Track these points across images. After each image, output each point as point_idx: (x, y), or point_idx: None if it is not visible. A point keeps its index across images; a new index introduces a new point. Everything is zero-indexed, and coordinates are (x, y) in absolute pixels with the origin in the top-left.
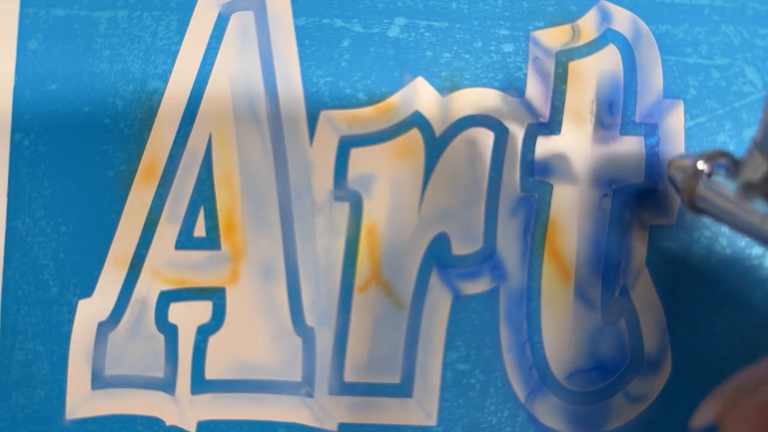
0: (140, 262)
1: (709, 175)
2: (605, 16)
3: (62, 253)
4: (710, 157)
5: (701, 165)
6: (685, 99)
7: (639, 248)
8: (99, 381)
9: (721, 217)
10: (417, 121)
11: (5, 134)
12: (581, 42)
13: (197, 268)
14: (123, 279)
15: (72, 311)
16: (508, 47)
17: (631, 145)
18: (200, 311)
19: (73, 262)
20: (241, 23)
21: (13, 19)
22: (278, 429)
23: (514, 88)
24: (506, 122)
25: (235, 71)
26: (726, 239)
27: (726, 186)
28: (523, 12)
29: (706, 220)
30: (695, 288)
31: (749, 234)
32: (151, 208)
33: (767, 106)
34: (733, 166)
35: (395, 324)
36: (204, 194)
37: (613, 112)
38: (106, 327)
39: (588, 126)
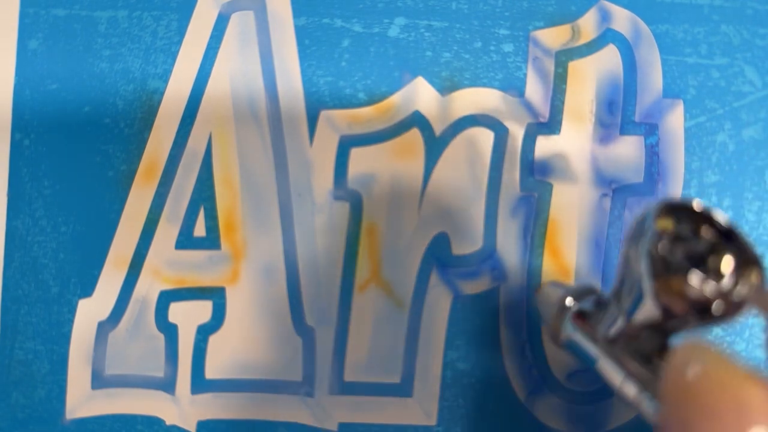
0: (140, 262)
1: (577, 313)
2: (605, 16)
3: (62, 253)
4: (578, 295)
5: (569, 302)
6: (684, 99)
7: None
8: (99, 381)
9: (588, 365)
10: (417, 121)
11: (5, 134)
12: (581, 42)
13: (197, 267)
14: (123, 279)
15: (72, 311)
16: (508, 47)
17: (631, 145)
18: (200, 311)
19: (73, 261)
20: (241, 23)
21: (13, 19)
22: (278, 429)
23: (514, 88)
24: (506, 122)
25: (235, 71)
26: None
27: (586, 338)
28: (523, 12)
29: None
30: None
31: (613, 388)
32: (151, 208)
33: (622, 261)
34: (598, 307)
35: (395, 324)
36: (204, 194)
37: (613, 111)
38: (106, 327)
39: (588, 126)
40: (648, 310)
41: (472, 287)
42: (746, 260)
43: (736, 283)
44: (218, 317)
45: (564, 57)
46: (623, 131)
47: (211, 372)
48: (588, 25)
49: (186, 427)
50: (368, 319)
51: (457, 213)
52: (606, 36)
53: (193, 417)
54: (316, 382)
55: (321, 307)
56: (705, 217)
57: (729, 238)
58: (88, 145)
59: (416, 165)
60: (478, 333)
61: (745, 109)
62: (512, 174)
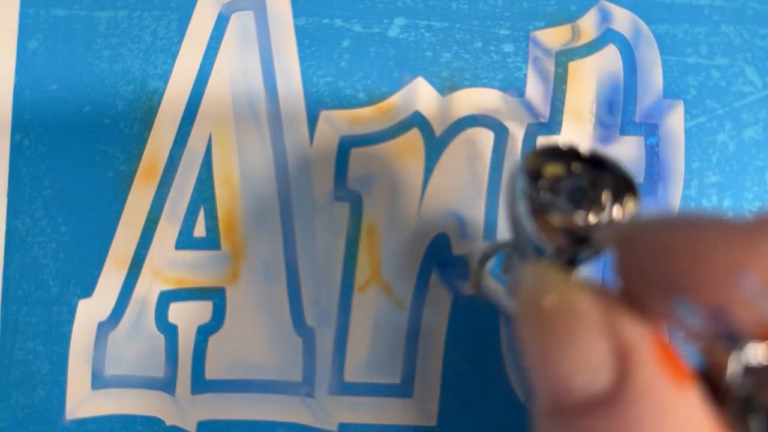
0: (140, 262)
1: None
2: (605, 16)
3: (62, 253)
4: (492, 250)
5: (482, 256)
6: (685, 99)
7: None
8: (99, 381)
9: (502, 310)
10: (417, 121)
11: (5, 134)
12: (581, 42)
13: (197, 268)
14: (123, 279)
15: (72, 311)
16: (508, 47)
17: (631, 145)
18: (200, 311)
19: (73, 262)
20: (241, 23)
21: (13, 19)
22: (278, 429)
23: (514, 88)
24: (506, 122)
25: (235, 71)
26: None
27: (498, 289)
28: (523, 12)
29: None
30: None
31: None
32: (151, 208)
33: (509, 211)
34: (508, 258)
35: (395, 324)
36: (204, 194)
37: (613, 112)
38: (106, 327)
39: (588, 126)
40: (543, 254)
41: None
42: (624, 187)
43: (615, 211)
44: (218, 317)
45: (564, 57)
46: (623, 131)
47: (211, 372)
48: (588, 25)
49: (186, 428)
50: (368, 319)
51: (457, 213)
52: (606, 36)
53: (193, 417)
54: (316, 382)
55: (321, 307)
56: (574, 154)
57: (602, 168)
58: (88, 145)
59: (416, 165)
60: (478, 333)
61: (745, 109)
62: None
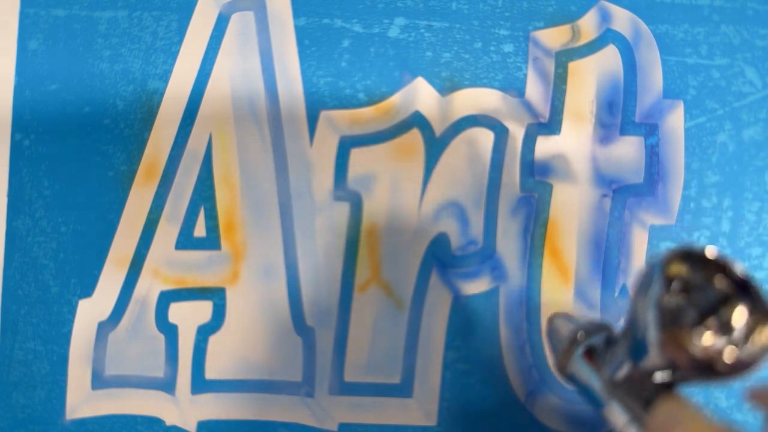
0: (140, 262)
1: (586, 350)
2: (605, 17)
3: (62, 253)
4: (589, 331)
5: (580, 337)
6: (685, 99)
7: (639, 248)
8: (99, 381)
9: (589, 401)
10: (417, 121)
11: (5, 134)
12: (581, 42)
13: (197, 268)
14: (123, 279)
15: (72, 311)
16: (508, 47)
17: (631, 145)
18: (200, 311)
19: (73, 262)
20: (241, 23)
21: (13, 19)
22: (278, 429)
23: (514, 88)
24: (506, 122)
25: (235, 71)
26: (726, 239)
27: (593, 376)
28: (523, 12)
29: (706, 220)
30: None
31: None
32: (151, 208)
33: (630, 307)
34: (607, 346)
35: (395, 324)
36: (204, 194)
37: (613, 112)
38: (106, 327)
39: (588, 126)
40: (653, 360)
41: (472, 287)
42: (761, 315)
43: (746, 339)
44: (218, 318)
45: (564, 57)
46: (623, 132)
47: (211, 372)
48: (588, 25)
49: (186, 428)
50: (368, 319)
51: (457, 213)
52: (606, 36)
53: (193, 417)
54: (316, 383)
55: (321, 307)
56: (719, 266)
57: (744, 290)
58: (88, 146)
59: (416, 165)
60: (478, 333)
61: (745, 109)
62: (512, 174)
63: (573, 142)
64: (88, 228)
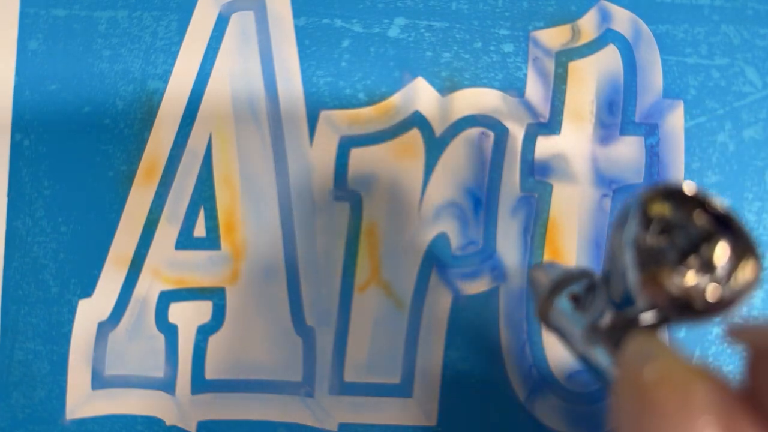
0: (140, 262)
1: (569, 298)
2: (605, 16)
3: (62, 253)
4: (569, 278)
5: (560, 284)
6: (685, 99)
7: None
8: (99, 381)
9: (569, 348)
10: (417, 121)
11: (5, 134)
12: (581, 42)
13: (197, 268)
14: (123, 279)
15: (72, 311)
16: (508, 47)
17: (631, 145)
18: (200, 311)
19: (73, 262)
20: (241, 23)
21: (13, 19)
22: (278, 429)
23: (514, 88)
24: (506, 122)
25: (235, 71)
26: None
27: (574, 322)
28: (523, 12)
29: None
30: None
31: (593, 373)
32: (151, 208)
33: (608, 249)
34: (589, 292)
35: (395, 324)
36: (204, 194)
37: (613, 112)
38: (106, 327)
39: (588, 126)
40: (635, 303)
41: (472, 287)
42: (743, 250)
43: (729, 275)
44: (218, 318)
45: (564, 57)
46: (623, 131)
47: (211, 372)
48: (588, 25)
49: (186, 428)
50: (368, 319)
51: (456, 213)
52: (606, 36)
53: (193, 417)
54: (316, 382)
55: (321, 307)
56: (698, 202)
57: (725, 226)
58: (88, 145)
59: (416, 165)
60: (478, 333)
61: (745, 109)
62: (512, 174)
63: (573, 142)
64: (88, 228)
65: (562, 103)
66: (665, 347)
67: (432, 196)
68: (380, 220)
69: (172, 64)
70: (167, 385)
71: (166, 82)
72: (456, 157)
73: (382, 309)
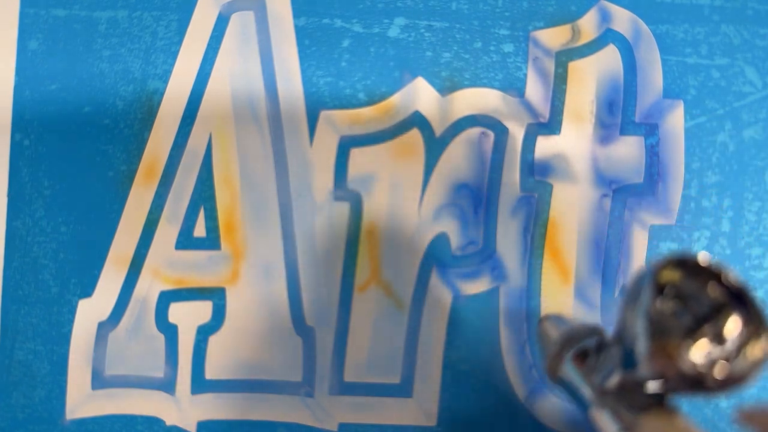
0: (140, 262)
1: (577, 354)
2: (605, 16)
3: (62, 253)
4: (579, 335)
5: (570, 341)
6: (685, 99)
7: (639, 248)
8: (99, 381)
9: (576, 405)
10: (417, 121)
11: (5, 134)
12: (581, 42)
13: (197, 268)
14: (123, 279)
15: (72, 311)
16: (508, 47)
17: (631, 145)
18: (200, 311)
19: (73, 262)
20: (241, 23)
21: (13, 19)
22: (278, 429)
23: (514, 88)
24: (506, 122)
25: (235, 71)
26: (726, 239)
27: (583, 383)
28: (523, 12)
29: (706, 220)
30: None
31: None
32: (151, 208)
33: (620, 315)
34: (599, 350)
35: (395, 324)
36: (204, 194)
37: (613, 112)
38: (106, 327)
39: (588, 126)
40: (643, 371)
41: (472, 287)
42: (755, 327)
43: (738, 351)
44: (218, 317)
45: (564, 57)
46: (623, 131)
47: (211, 372)
48: (588, 25)
49: (186, 428)
50: (368, 319)
51: (456, 213)
52: (606, 36)
53: (193, 417)
54: (316, 382)
55: (321, 307)
56: (713, 274)
57: (738, 300)
58: (88, 145)
59: (416, 165)
60: (478, 333)
61: (745, 109)
62: (512, 174)
63: (573, 142)
64: (88, 228)
65: (562, 103)
66: (684, 427)
67: (432, 196)
68: (380, 220)
69: (172, 64)
70: (167, 385)
71: (166, 82)
72: (456, 157)
73: (382, 309)
